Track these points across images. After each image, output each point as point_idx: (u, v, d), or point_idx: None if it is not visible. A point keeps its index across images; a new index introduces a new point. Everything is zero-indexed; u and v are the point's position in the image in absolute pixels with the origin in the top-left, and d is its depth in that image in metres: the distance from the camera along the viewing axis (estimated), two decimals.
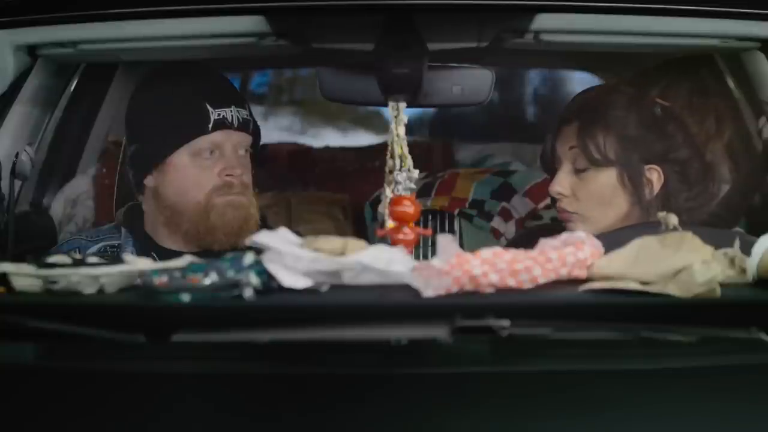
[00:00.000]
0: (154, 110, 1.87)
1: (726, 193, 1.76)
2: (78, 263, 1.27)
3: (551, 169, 1.79)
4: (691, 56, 1.83)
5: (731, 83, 2.08)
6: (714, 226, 1.69)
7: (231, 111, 1.85)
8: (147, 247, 1.88)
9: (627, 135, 1.71)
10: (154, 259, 1.76)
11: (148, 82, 1.95)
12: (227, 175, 1.83)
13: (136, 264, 1.26)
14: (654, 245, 1.25)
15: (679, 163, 1.72)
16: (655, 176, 1.72)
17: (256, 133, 1.92)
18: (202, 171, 1.83)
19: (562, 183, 1.75)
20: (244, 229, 1.81)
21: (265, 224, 1.87)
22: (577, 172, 1.74)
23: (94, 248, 1.88)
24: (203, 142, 1.83)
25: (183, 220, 1.83)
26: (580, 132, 1.71)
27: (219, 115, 1.84)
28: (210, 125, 1.82)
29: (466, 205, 2.40)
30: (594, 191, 1.73)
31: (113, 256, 1.85)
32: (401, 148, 1.48)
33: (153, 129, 1.85)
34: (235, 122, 1.85)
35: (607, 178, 1.72)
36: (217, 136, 1.83)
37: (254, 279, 1.20)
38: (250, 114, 1.90)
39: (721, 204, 1.76)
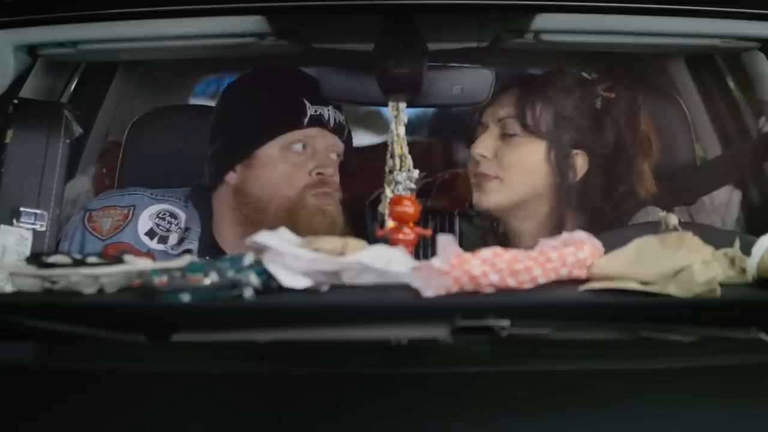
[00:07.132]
0: (246, 104, 1.81)
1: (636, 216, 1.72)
2: (78, 263, 1.27)
3: (470, 139, 1.80)
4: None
5: (731, 83, 2.08)
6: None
7: (328, 110, 1.80)
8: (209, 243, 1.81)
9: (563, 114, 1.72)
10: (211, 256, 1.69)
11: (242, 79, 1.91)
12: (318, 173, 1.77)
13: (136, 264, 1.26)
14: (654, 245, 1.25)
15: (603, 157, 1.72)
16: (579, 162, 1.73)
17: (348, 143, 1.86)
18: (293, 167, 1.77)
19: (486, 145, 1.76)
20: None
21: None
22: (504, 137, 1.74)
23: (154, 209, 1.82)
24: (296, 135, 1.77)
25: (267, 216, 1.74)
26: (520, 99, 1.72)
27: (316, 111, 1.78)
28: (306, 119, 1.77)
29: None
30: (518, 157, 1.73)
31: (168, 224, 1.81)
32: (401, 148, 1.48)
33: (244, 122, 1.79)
34: (332, 122, 1.80)
35: (535, 149, 1.73)
36: (311, 132, 1.78)
37: (254, 279, 1.20)
38: (346, 122, 1.85)
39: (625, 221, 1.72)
